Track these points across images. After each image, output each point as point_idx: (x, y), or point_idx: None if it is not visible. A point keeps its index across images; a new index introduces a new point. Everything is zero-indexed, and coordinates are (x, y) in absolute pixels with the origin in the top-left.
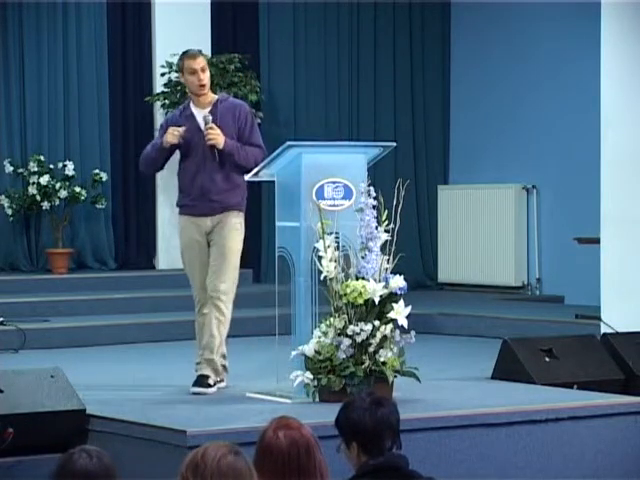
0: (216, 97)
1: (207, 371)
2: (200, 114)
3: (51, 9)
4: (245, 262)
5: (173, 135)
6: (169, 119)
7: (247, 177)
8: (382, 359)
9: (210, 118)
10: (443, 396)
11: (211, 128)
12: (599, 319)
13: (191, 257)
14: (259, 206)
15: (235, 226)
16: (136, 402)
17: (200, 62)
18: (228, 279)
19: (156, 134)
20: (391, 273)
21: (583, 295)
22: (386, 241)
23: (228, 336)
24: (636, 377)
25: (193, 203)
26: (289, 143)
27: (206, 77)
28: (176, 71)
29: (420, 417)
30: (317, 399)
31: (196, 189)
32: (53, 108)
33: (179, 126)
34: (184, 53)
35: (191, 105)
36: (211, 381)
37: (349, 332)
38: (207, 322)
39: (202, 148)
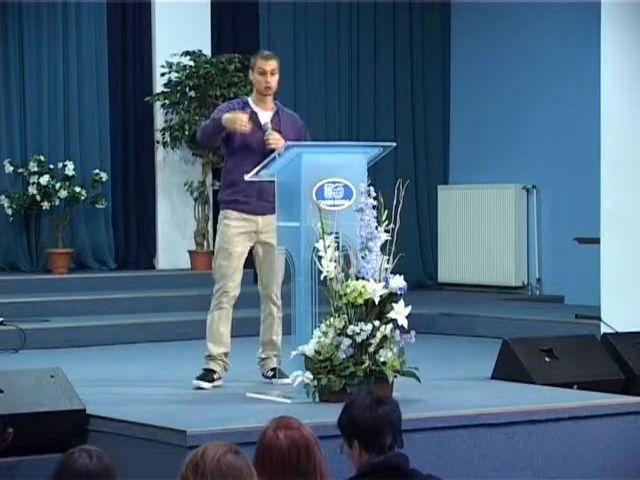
0: (275, 104)
1: (277, 363)
2: (263, 114)
3: (51, 9)
4: (245, 262)
5: (243, 126)
6: (228, 105)
7: (247, 177)
8: (382, 359)
9: (269, 125)
10: (443, 396)
11: (271, 134)
12: (599, 319)
13: (232, 251)
14: None
15: None
16: (136, 402)
17: (271, 64)
18: (281, 279)
19: (157, 134)
20: (391, 273)
21: (583, 295)
22: (386, 241)
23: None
24: (636, 377)
25: (246, 200)
26: (289, 143)
27: (274, 80)
28: (177, 71)
29: (420, 417)
30: (317, 399)
31: (253, 187)
32: (53, 108)
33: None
34: (258, 52)
35: (251, 103)
36: (277, 373)
37: (349, 332)
38: (271, 322)
39: (262, 148)
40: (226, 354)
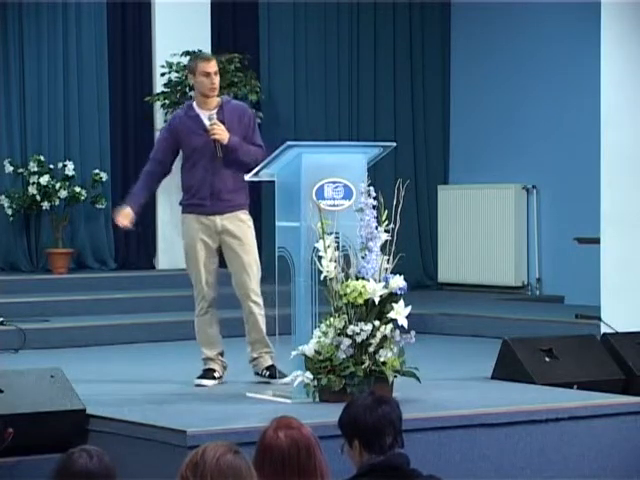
0: (220, 99)
1: (272, 361)
2: (205, 115)
3: (51, 9)
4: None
5: (121, 223)
6: (173, 121)
7: (247, 177)
8: (382, 359)
9: (215, 116)
10: (443, 396)
11: (215, 124)
12: (599, 319)
13: (196, 255)
14: (259, 206)
15: (247, 223)
16: (136, 402)
17: (213, 66)
18: (256, 275)
19: (157, 134)
20: (391, 273)
21: (583, 295)
22: (386, 241)
23: (229, 336)
24: (636, 377)
25: (202, 202)
26: (289, 143)
27: (217, 80)
28: (177, 71)
29: (420, 417)
30: (317, 399)
31: (206, 189)
32: (53, 108)
33: (187, 126)
34: (196, 55)
35: (195, 107)
36: (275, 372)
37: (349, 332)
38: (253, 320)
39: (210, 149)
40: (222, 353)
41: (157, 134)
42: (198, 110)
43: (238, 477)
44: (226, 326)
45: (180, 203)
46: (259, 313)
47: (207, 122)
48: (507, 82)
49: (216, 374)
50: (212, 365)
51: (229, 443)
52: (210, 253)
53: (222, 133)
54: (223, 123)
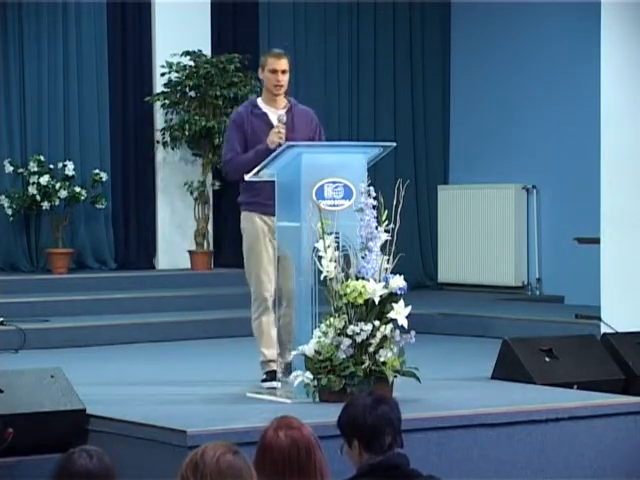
0: (288, 100)
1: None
2: (274, 114)
3: (51, 9)
4: None
5: (279, 135)
6: (238, 119)
7: (247, 177)
8: (382, 359)
9: (284, 118)
10: (443, 396)
11: (282, 127)
12: (599, 319)
13: (261, 254)
14: None
15: None
16: (136, 402)
17: (283, 64)
18: None
19: (157, 134)
20: (391, 273)
21: (583, 295)
22: (386, 241)
23: (229, 336)
24: (636, 377)
25: (267, 202)
26: (289, 143)
27: (285, 79)
28: (177, 71)
29: (420, 417)
30: (317, 399)
31: (270, 189)
32: (53, 108)
33: (254, 124)
34: (268, 51)
35: (261, 104)
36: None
37: (349, 332)
38: (287, 322)
39: (275, 149)
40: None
41: (157, 134)
42: (265, 108)
43: (238, 477)
44: (227, 326)
45: (240, 201)
46: (290, 316)
47: (275, 120)
48: (507, 82)
49: (278, 376)
50: (274, 367)
51: (229, 443)
52: (274, 252)
53: (282, 138)
54: (293, 124)
